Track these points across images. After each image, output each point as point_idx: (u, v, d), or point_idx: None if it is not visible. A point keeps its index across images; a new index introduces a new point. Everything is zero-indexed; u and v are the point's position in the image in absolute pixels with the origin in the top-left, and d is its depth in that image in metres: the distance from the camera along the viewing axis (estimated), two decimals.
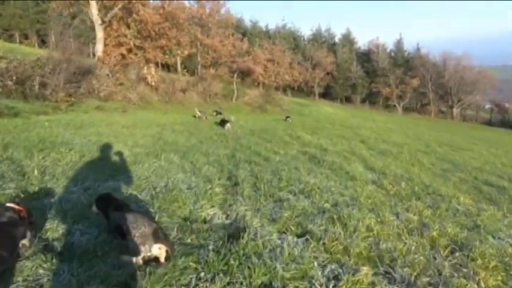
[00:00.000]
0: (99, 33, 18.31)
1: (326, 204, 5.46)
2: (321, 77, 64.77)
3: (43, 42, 56.92)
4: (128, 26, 19.28)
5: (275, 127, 17.25)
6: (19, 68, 12.02)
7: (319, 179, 7.10)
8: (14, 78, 11.21)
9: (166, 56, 22.97)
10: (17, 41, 57.82)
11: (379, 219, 5.27)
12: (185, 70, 27.34)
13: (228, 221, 4.37)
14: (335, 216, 4.91)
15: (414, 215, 5.85)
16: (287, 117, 23.31)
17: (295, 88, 58.71)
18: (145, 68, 20.07)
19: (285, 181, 6.42)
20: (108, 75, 17.41)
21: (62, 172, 5.33)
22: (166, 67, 45.05)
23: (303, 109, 37.86)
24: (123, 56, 19.21)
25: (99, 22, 18.25)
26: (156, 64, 48.00)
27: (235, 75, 30.23)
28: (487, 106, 69.67)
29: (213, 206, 4.77)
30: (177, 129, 12.17)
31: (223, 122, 15.74)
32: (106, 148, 6.95)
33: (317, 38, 75.93)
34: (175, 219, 4.19)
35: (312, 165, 8.53)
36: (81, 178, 5.11)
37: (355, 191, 6.59)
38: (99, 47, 18.27)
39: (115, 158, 6.46)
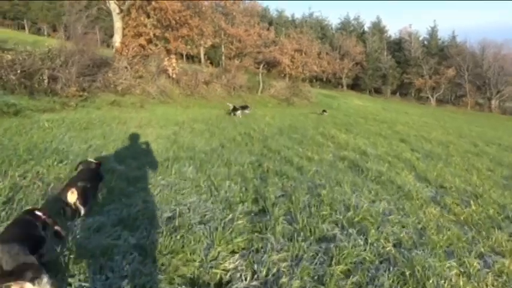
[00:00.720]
0: (117, 23, 17.21)
1: (387, 245, 4.01)
2: (349, 67, 62.14)
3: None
4: (148, 15, 18.06)
5: (305, 123, 15.74)
6: (27, 61, 11.03)
7: (368, 199, 5.63)
8: (19, 72, 10.20)
9: (188, 47, 21.67)
10: (45, 33, 58.26)
11: (462, 269, 3.79)
12: (209, 62, 26.11)
13: (254, 283, 3.00)
14: (405, 269, 3.47)
15: (504, 257, 4.34)
16: (323, 110, 21.72)
17: (323, 79, 56.50)
18: (166, 59, 18.86)
19: (327, 205, 4.99)
20: (126, 67, 16.32)
21: (39, 196, 4.09)
22: (190, 58, 44.11)
23: (331, 102, 36.05)
24: (143, 47, 18.06)
25: (117, 11, 17.14)
26: (179, 55, 47.20)
27: (261, 66, 28.76)
28: None
29: (233, 253, 3.42)
30: (197, 128, 10.89)
31: (235, 110, 15.16)
32: (105, 159, 5.70)
33: (345, 27, 73.04)
34: (177, 283, 2.85)
35: (355, 177, 7.05)
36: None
37: (418, 218, 5.08)
38: (117, 38, 17.19)
39: (112, 175, 5.17)
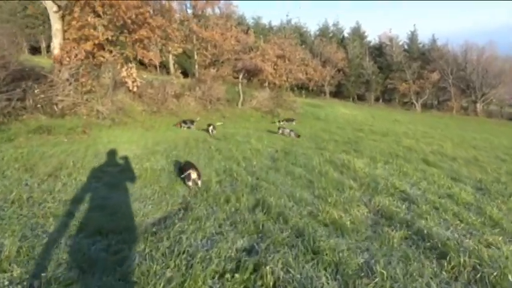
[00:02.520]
0: (55, 25, 13.33)
1: None
2: (331, 74, 59.51)
3: (34, 49, 52.72)
4: (97, 14, 14.31)
5: (301, 144, 12.34)
6: None
7: None
8: None
9: (151, 53, 17.98)
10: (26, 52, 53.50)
11: None
12: (179, 71, 22.49)
13: None
14: None
15: None
16: (284, 120, 18.74)
17: (309, 88, 53.49)
18: (124, 69, 15.17)
19: None
20: (67, 80, 12.57)
21: None
22: (158, 68, 40.25)
23: (317, 111, 32.97)
24: (92, 54, 14.29)
25: (54, 9, 13.31)
26: (142, 64, 42.91)
27: (241, 75, 25.38)
28: None
29: None
30: (150, 167, 7.27)
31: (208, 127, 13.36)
32: None
33: (325, 33, 70.76)
34: None
35: (429, 265, 3.62)
36: None
37: None
38: (56, 43, 13.35)
39: None
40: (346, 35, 72.63)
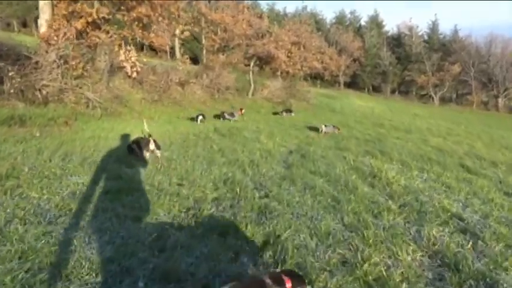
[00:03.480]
0: None
1: None
2: (347, 64, 57.17)
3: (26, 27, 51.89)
4: None
5: (318, 144, 10.66)
6: None
7: None
8: None
9: (152, 35, 16.33)
10: (15, 29, 52.55)
11: None
12: (186, 57, 20.84)
13: None
14: None
15: None
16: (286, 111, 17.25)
17: (324, 78, 51.28)
18: (122, 52, 13.59)
19: None
20: (55, 62, 11.03)
21: None
22: (165, 53, 38.46)
23: (332, 103, 31.15)
24: (86, 33, 12.71)
25: None
26: (152, 49, 41.06)
27: (252, 62, 23.58)
28: None
29: None
30: (136, 179, 5.70)
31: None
32: None
33: (341, 21, 68.21)
34: None
35: None
36: None
37: None
38: (43, 20, 11.75)
39: None
40: (363, 23, 70.14)
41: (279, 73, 30.29)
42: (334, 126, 14.40)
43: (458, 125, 27.37)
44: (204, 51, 22.43)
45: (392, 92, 64.42)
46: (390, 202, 5.58)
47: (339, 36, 58.43)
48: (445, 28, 70.08)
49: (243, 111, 16.16)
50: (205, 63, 22.12)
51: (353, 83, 63.57)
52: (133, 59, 13.80)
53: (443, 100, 62.40)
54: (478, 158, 11.64)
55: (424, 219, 5.03)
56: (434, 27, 67.11)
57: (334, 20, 69.32)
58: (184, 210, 4.56)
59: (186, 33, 21.10)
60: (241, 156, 7.68)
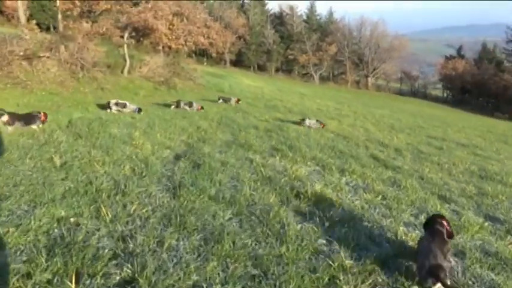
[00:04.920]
0: None
1: None
2: (232, 41, 55.44)
3: None
4: None
5: (212, 138, 8.32)
6: None
7: None
8: None
9: None
10: None
11: None
12: (35, 23, 15.95)
13: None
14: None
15: None
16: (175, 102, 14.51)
17: (209, 55, 48.42)
18: None
19: None
20: None
21: None
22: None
23: (220, 83, 29.01)
24: None
25: None
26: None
27: (127, 34, 19.74)
28: (398, 75, 68.91)
29: None
30: None
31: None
32: None
33: None
34: None
35: None
36: None
37: None
38: None
39: None
40: (246, 0, 68.85)
41: (160, 48, 26.62)
42: (317, 120, 13.07)
43: (342, 104, 28.01)
44: (60, 16, 17.60)
45: (277, 70, 65.42)
46: (336, 244, 3.61)
47: (223, 11, 56.14)
48: (323, 9, 72.88)
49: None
50: (61, 31, 17.50)
51: (239, 61, 62.47)
52: None
53: (323, 79, 65.95)
54: (381, 145, 10.86)
55: (387, 265, 3.18)
56: (312, 8, 69.67)
57: None
58: None
59: None
60: (99, 175, 4.88)
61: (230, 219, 4.01)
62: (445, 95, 66.97)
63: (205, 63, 44.48)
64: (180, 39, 26.10)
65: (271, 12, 69.54)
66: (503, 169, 8.77)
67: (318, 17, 70.93)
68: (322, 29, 65.78)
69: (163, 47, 26.46)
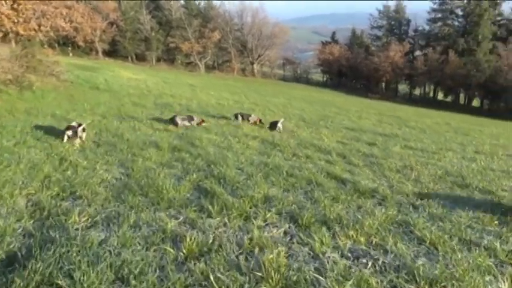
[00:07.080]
0: None
1: None
2: (103, 28, 48.47)
3: None
4: None
5: (82, 185, 4.88)
6: None
7: None
8: None
9: None
10: None
11: None
12: None
13: None
14: None
15: None
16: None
17: (76, 44, 40.85)
18: None
19: None
20: None
21: None
22: None
23: (94, 77, 24.06)
24: None
25: None
26: None
27: None
28: (281, 62, 70.16)
29: None
30: None
31: None
32: None
33: None
34: None
35: None
36: None
37: None
38: None
39: None
40: None
41: (11, 37, 20.26)
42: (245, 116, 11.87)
43: (238, 95, 25.86)
44: None
45: (158, 60, 60.20)
46: None
47: None
48: None
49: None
50: None
51: (113, 51, 55.41)
52: None
53: (208, 68, 63.14)
54: (319, 151, 8.66)
55: None
56: None
57: None
58: None
59: None
60: None
61: None
62: (324, 79, 70.53)
63: (70, 54, 37.36)
64: (30, 23, 20.19)
65: None
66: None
67: (197, 2, 67.40)
68: (202, 15, 62.54)
69: (7, 34, 20.24)
